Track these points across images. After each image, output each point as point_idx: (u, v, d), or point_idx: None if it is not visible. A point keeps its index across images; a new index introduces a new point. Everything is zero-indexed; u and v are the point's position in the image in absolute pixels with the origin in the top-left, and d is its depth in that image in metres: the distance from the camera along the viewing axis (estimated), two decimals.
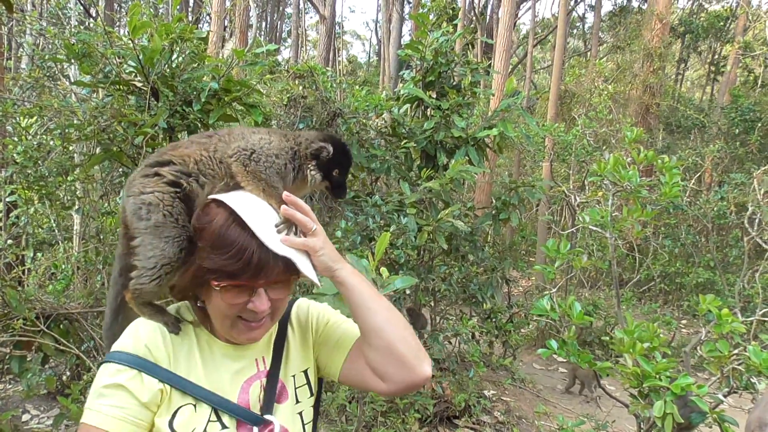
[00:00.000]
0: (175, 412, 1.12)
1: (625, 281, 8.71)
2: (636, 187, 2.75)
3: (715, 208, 8.31)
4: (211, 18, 12.79)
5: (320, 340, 1.35)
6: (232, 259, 1.09)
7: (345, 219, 4.72)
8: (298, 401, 1.26)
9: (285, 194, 1.19)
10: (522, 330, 6.25)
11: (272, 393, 1.22)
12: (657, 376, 2.08)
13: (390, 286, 2.79)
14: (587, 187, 9.43)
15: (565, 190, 6.81)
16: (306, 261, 1.15)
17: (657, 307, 8.31)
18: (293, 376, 1.28)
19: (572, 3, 19.48)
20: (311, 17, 30.74)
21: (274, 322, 1.23)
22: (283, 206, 1.17)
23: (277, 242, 1.12)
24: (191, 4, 20.86)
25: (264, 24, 29.04)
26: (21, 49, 7.51)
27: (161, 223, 1.18)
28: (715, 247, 9.03)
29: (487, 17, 18.70)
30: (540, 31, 20.63)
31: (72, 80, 6.50)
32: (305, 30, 28.12)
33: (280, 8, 29.87)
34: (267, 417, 1.19)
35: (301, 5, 25.35)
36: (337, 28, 25.15)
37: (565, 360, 7.43)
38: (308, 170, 1.31)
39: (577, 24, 24.23)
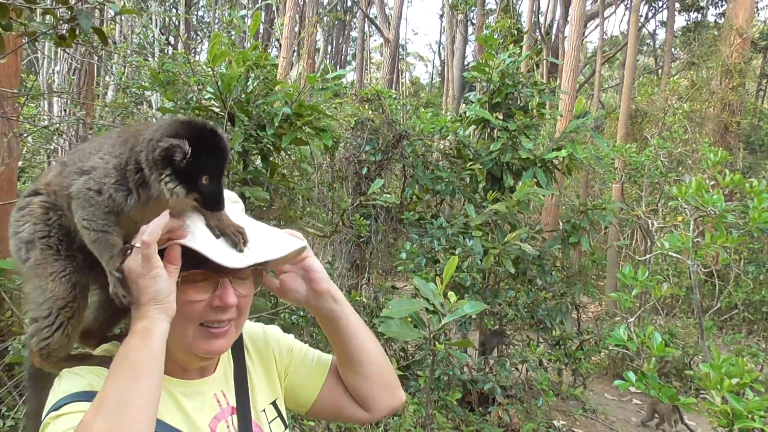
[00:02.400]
0: None
1: (704, 309, 8.23)
2: (722, 212, 2.61)
3: None
4: (279, 43, 13.30)
5: (289, 368, 1.22)
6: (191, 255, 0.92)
7: (410, 241, 4.72)
8: None
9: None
10: (593, 358, 6.01)
11: None
12: (750, 416, 1.95)
13: (458, 311, 2.77)
14: (661, 211, 9.03)
15: (641, 213, 6.54)
16: (281, 245, 1.03)
17: (741, 337, 7.78)
18: (263, 410, 1.14)
19: (642, 19, 18.94)
20: (375, 40, 31.35)
21: (239, 332, 1.06)
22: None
23: (233, 256, 0.94)
24: (260, 31, 21.74)
25: (330, 48, 29.86)
26: (108, 78, 8.04)
27: (41, 261, 0.96)
28: None
29: (553, 36, 18.45)
30: (608, 49, 20.14)
31: (153, 106, 6.90)
32: (369, 53, 28.69)
33: (346, 32, 30.65)
34: None
35: (366, 29, 25.91)
36: (400, 50, 25.52)
37: (641, 392, 7.06)
38: (162, 184, 0.90)
39: (648, 41, 23.50)
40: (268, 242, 1.02)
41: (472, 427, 4.06)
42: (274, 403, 1.18)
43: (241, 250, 0.95)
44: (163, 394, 0.93)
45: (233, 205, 1.08)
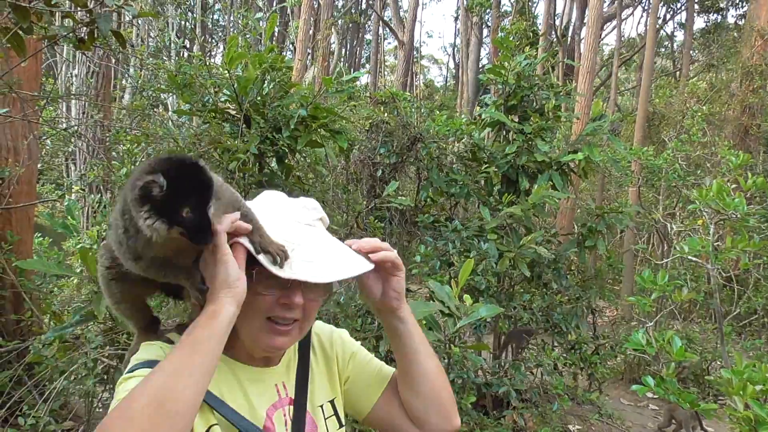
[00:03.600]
0: (208, 429, 1.01)
1: (723, 314, 8.10)
2: (743, 215, 2.57)
3: None
4: (294, 47, 13.37)
5: (350, 373, 1.27)
6: None
7: (424, 244, 4.71)
8: None
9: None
10: (609, 362, 5.94)
11: (300, 425, 1.13)
12: None
13: (474, 315, 2.75)
14: (678, 215, 8.93)
15: (660, 217, 6.45)
16: (352, 265, 1.06)
17: (761, 343, 7.66)
18: (321, 406, 1.19)
19: (660, 21, 18.77)
20: (389, 43, 31.40)
21: (302, 334, 1.12)
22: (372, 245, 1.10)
23: (288, 268, 1.00)
24: (275, 33, 21.86)
25: (344, 51, 29.93)
26: (125, 81, 8.13)
27: None
28: None
29: (569, 39, 18.34)
30: (625, 51, 19.96)
31: (169, 108, 6.97)
32: (384, 56, 28.73)
33: (360, 35, 30.74)
34: None
35: (381, 32, 25.96)
36: (414, 53, 25.53)
37: (658, 397, 6.95)
38: (142, 221, 0.90)
39: (665, 43, 23.27)
40: (326, 259, 1.04)
41: (487, 431, 4.03)
42: (332, 402, 1.22)
43: (281, 266, 0.99)
44: (229, 377, 1.06)
45: (310, 212, 1.12)
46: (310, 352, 1.22)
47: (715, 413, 2.38)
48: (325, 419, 1.18)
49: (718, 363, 6.64)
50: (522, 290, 5.09)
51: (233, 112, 3.77)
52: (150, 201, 0.89)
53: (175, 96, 6.63)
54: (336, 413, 1.21)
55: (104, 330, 3.20)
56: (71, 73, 7.87)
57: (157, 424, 0.83)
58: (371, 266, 1.07)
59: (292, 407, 1.13)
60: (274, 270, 0.97)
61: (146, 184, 0.88)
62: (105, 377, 3.66)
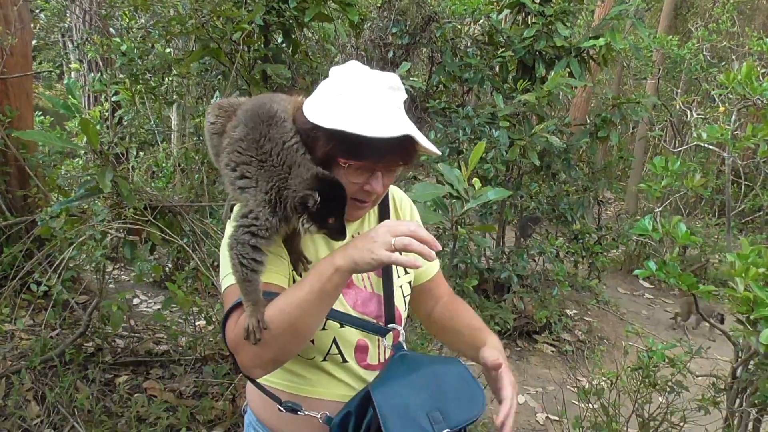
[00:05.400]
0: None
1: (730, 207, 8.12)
2: None
3: None
4: None
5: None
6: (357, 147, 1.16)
7: (434, 130, 4.61)
8: (398, 276, 1.41)
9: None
10: (610, 253, 6.04)
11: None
12: None
13: (482, 197, 2.74)
14: (694, 108, 8.67)
15: (680, 104, 6.24)
16: (422, 136, 1.17)
17: (761, 238, 7.76)
18: None
19: None
20: None
21: (374, 205, 1.33)
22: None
23: (385, 127, 1.11)
24: None
25: None
26: None
27: None
28: None
29: None
30: None
31: None
32: None
33: None
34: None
35: None
36: None
37: (652, 287, 7.14)
38: (300, 225, 1.16)
39: None
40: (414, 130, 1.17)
41: (487, 312, 4.19)
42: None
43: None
44: (307, 240, 1.29)
45: (395, 93, 1.19)
46: (389, 208, 1.44)
47: (716, 297, 2.43)
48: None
49: (717, 257, 6.77)
50: (530, 180, 5.07)
51: None
52: (306, 209, 1.12)
53: None
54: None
55: (110, 205, 3.21)
56: None
57: (289, 341, 1.12)
58: (438, 152, 1.24)
59: None
60: (380, 132, 1.08)
61: (305, 197, 1.11)
62: (114, 254, 3.74)
